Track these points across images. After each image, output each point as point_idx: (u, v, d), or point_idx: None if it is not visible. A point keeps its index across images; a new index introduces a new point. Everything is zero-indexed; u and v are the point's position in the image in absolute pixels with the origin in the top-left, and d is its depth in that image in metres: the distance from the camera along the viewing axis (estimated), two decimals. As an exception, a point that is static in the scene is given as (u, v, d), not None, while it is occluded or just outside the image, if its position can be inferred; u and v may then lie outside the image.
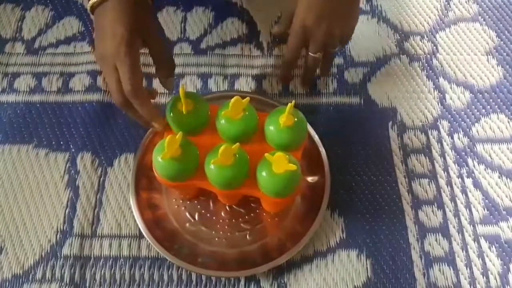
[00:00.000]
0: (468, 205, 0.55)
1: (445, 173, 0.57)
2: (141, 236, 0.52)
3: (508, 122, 0.60)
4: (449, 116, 0.61)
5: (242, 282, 0.51)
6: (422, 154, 0.58)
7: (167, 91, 0.61)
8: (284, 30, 0.60)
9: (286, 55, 0.59)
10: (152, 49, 0.51)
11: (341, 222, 0.54)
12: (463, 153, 0.58)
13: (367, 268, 0.52)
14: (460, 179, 0.57)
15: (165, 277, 0.51)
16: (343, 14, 0.55)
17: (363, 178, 0.56)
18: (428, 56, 0.65)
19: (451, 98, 0.62)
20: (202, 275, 0.51)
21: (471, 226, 0.54)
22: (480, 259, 0.52)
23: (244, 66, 0.64)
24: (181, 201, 0.55)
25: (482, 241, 0.53)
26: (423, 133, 0.60)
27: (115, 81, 0.46)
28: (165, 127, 0.50)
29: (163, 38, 0.51)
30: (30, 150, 0.58)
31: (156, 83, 0.62)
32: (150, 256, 0.52)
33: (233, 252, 0.52)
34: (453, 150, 0.58)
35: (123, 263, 0.52)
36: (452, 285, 0.51)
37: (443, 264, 0.52)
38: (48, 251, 0.52)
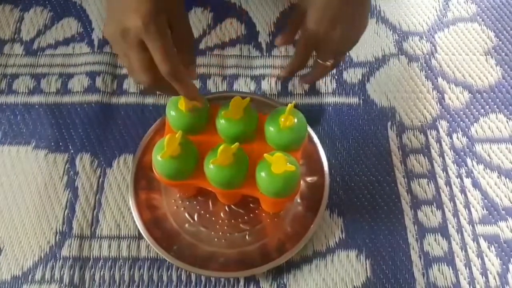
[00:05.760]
0: (467, 205, 0.55)
1: (444, 173, 0.57)
2: (140, 237, 0.52)
3: (507, 122, 0.61)
4: (448, 116, 0.61)
5: (242, 283, 0.51)
6: (421, 154, 0.58)
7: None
8: (291, 39, 0.54)
9: (294, 61, 0.54)
10: (177, 31, 0.44)
11: (340, 222, 0.54)
12: (462, 153, 0.58)
13: (366, 268, 0.52)
14: (459, 179, 0.57)
15: (164, 278, 0.51)
16: (357, 18, 0.49)
17: (362, 178, 0.56)
18: (427, 56, 0.66)
19: (450, 98, 0.62)
20: (202, 276, 0.51)
21: (470, 226, 0.54)
22: (479, 259, 0.52)
23: (243, 66, 0.64)
24: (180, 202, 0.55)
25: (481, 241, 0.53)
26: (422, 133, 0.60)
27: (140, 59, 0.41)
28: (203, 104, 0.47)
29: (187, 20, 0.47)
30: (29, 151, 0.58)
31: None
32: (149, 257, 0.52)
33: (233, 252, 0.52)
34: (452, 150, 0.58)
35: (122, 264, 0.52)
36: (451, 285, 0.51)
37: (442, 264, 0.52)
38: (47, 252, 0.52)
